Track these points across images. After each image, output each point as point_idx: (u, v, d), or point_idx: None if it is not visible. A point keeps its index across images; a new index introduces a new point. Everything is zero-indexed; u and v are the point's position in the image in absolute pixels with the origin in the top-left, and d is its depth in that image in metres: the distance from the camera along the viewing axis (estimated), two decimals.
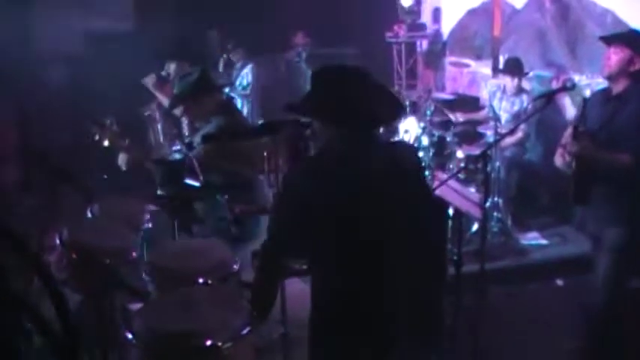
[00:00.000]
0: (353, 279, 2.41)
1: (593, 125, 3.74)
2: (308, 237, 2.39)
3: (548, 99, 3.92)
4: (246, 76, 8.10)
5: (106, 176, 6.94)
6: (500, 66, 6.85)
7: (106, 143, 4.13)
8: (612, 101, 3.75)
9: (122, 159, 4.14)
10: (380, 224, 2.39)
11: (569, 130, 3.81)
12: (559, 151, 3.88)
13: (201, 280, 2.85)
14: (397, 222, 2.44)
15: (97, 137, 4.13)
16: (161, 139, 6.95)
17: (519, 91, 6.35)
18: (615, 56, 3.70)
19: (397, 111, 2.60)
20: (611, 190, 3.70)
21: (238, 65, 8.24)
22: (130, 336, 2.38)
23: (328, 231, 2.35)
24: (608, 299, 3.85)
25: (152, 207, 4.33)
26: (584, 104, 3.74)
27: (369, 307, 2.43)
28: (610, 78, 3.77)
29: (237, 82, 8.14)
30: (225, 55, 8.33)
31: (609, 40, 3.84)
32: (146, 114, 6.98)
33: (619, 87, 3.72)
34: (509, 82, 6.34)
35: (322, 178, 2.34)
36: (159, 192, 4.02)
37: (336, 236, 2.36)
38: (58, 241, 2.99)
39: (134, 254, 3.07)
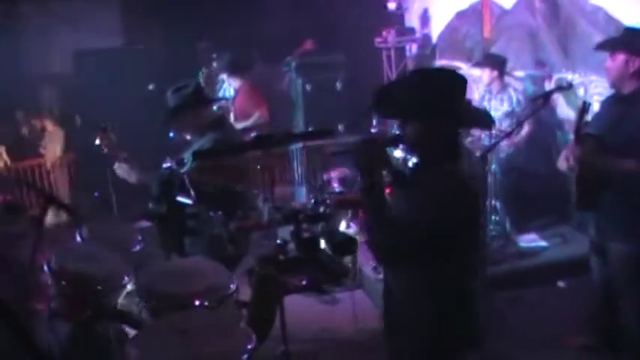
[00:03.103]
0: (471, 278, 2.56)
1: (602, 128, 3.66)
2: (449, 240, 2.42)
3: (545, 100, 3.86)
4: (229, 87, 7.57)
5: (97, 193, 6.88)
6: None
7: (105, 151, 4.06)
8: (621, 104, 3.66)
9: (123, 170, 4.05)
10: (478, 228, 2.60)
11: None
12: (563, 153, 3.79)
13: (197, 303, 2.76)
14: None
15: (97, 141, 4.05)
16: None
17: (504, 87, 6.25)
18: (612, 64, 3.64)
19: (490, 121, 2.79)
20: (616, 198, 3.60)
21: (224, 76, 7.65)
22: None
23: (464, 230, 2.45)
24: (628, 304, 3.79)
25: (144, 223, 4.25)
26: (583, 107, 3.65)
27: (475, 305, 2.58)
28: (614, 86, 3.70)
29: (221, 94, 7.62)
30: (204, 69, 8.11)
31: (601, 49, 3.80)
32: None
33: (627, 90, 3.64)
34: (485, 76, 6.26)
35: (468, 188, 2.45)
36: (151, 206, 3.93)
37: (468, 239, 2.49)
38: (46, 268, 2.89)
39: (126, 279, 2.97)
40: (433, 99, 2.41)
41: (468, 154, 2.68)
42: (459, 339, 2.53)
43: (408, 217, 2.40)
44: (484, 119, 2.60)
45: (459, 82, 2.49)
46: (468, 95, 7.74)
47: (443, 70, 2.58)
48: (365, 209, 2.59)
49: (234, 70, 7.26)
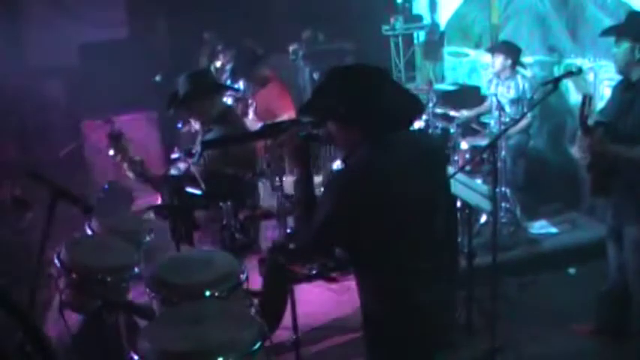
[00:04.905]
0: (404, 276, 2.42)
1: (613, 115, 3.65)
2: (357, 238, 2.36)
3: (554, 85, 3.83)
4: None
5: (106, 185, 6.90)
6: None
7: (118, 159, 3.93)
8: (630, 91, 3.64)
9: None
10: (419, 220, 2.42)
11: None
12: (577, 143, 3.79)
13: (207, 293, 2.76)
14: (432, 217, 2.47)
15: (111, 152, 3.92)
16: None
17: (513, 74, 6.22)
18: (618, 50, 3.63)
19: (418, 108, 2.59)
20: (630, 182, 3.59)
21: (228, 67, 7.61)
22: (135, 357, 2.29)
23: (379, 231, 2.34)
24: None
25: (152, 216, 4.24)
26: (584, 100, 3.63)
27: (420, 304, 2.44)
28: (622, 73, 3.69)
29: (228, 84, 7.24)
30: (215, 62, 8.05)
31: (606, 35, 3.80)
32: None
33: (634, 76, 3.61)
34: (498, 63, 6.22)
35: (369, 180, 2.33)
36: (161, 200, 3.93)
37: (386, 235, 2.36)
38: (56, 261, 2.90)
39: (136, 270, 2.97)
40: (345, 105, 2.37)
41: (420, 148, 2.58)
42: (404, 339, 2.45)
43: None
44: (405, 112, 2.51)
45: (374, 82, 2.42)
46: (476, 81, 7.80)
47: (358, 71, 2.48)
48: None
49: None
